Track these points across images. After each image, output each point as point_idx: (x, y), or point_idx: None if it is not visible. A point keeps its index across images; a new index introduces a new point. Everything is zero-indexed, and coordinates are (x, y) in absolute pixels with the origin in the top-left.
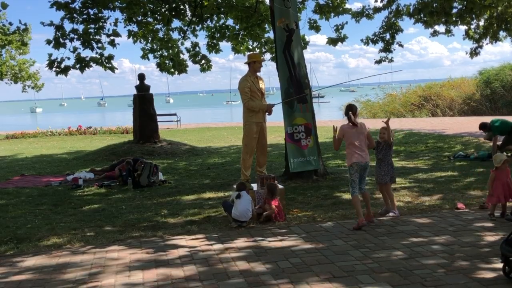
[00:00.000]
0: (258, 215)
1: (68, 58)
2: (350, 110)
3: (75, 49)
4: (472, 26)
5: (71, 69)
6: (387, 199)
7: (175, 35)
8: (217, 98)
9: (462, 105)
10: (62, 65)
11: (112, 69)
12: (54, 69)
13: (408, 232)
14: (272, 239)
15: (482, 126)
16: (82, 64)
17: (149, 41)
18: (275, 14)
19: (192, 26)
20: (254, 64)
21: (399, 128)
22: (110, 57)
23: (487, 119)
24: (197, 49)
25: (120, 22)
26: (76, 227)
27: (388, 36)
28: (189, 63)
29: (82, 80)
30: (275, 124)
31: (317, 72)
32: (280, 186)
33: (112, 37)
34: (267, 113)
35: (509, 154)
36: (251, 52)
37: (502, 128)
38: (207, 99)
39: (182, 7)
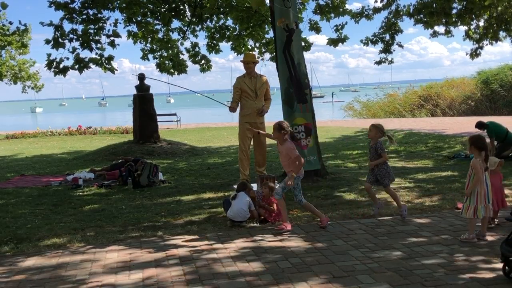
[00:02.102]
0: (258, 215)
1: (67, 59)
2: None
3: (74, 49)
4: (472, 27)
5: (70, 69)
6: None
7: (174, 35)
8: (218, 98)
9: (462, 105)
10: (61, 66)
11: (112, 70)
12: (52, 69)
13: (408, 232)
14: (272, 239)
15: (480, 125)
16: (81, 64)
17: (149, 41)
18: (275, 14)
19: (192, 26)
20: (244, 65)
21: (399, 128)
22: (110, 58)
23: (487, 119)
24: (197, 49)
25: (120, 22)
26: (76, 227)
27: (387, 37)
28: (189, 63)
29: (82, 80)
30: None
31: (317, 72)
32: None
33: (112, 38)
34: (261, 113)
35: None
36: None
37: (496, 131)
38: (207, 99)
39: (182, 7)
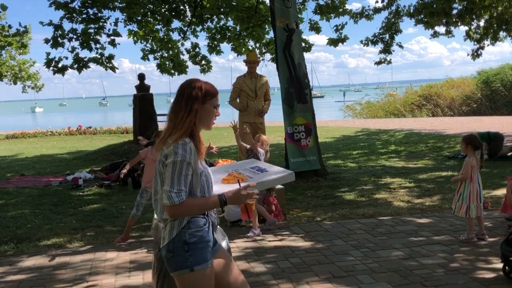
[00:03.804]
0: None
1: (66, 58)
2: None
3: (73, 49)
4: (473, 27)
5: (69, 68)
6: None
7: (175, 35)
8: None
9: (462, 105)
10: (60, 65)
11: (113, 68)
12: (51, 68)
13: (408, 232)
14: (272, 239)
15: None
16: (80, 64)
17: (149, 41)
18: (275, 14)
19: (192, 26)
20: (246, 64)
21: (399, 128)
22: (111, 57)
23: (487, 119)
24: (197, 49)
25: (120, 22)
26: (76, 227)
27: (387, 37)
28: (189, 63)
29: (82, 80)
30: (275, 124)
31: (317, 72)
32: (280, 186)
33: (112, 37)
34: (260, 114)
35: None
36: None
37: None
38: None
39: (182, 7)
